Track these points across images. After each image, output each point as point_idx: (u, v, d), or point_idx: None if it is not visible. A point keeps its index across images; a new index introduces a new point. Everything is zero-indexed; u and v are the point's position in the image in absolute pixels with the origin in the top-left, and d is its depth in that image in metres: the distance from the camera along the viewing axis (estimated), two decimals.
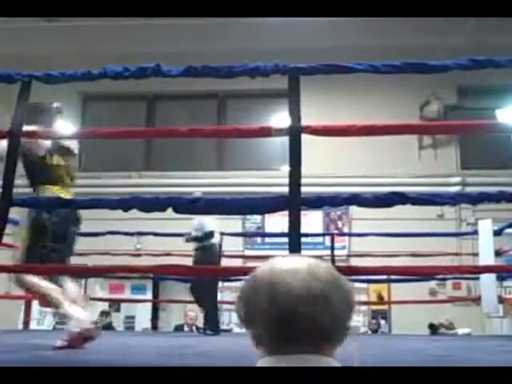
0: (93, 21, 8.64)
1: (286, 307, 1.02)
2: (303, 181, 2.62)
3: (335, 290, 1.05)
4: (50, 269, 3.16)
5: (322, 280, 1.04)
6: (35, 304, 6.63)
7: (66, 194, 3.42)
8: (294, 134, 2.61)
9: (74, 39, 9.84)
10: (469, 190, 8.79)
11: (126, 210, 2.64)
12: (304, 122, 2.66)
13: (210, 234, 6.24)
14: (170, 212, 3.00)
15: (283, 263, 1.08)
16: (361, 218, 8.68)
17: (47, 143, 3.45)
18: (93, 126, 9.04)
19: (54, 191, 3.40)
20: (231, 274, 3.81)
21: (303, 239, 2.67)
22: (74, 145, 3.65)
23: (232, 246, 8.00)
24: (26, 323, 6.79)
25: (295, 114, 2.65)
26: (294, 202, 2.56)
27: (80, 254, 6.17)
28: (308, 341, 1.03)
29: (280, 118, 8.83)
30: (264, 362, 1.05)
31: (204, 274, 4.76)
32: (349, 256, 8.77)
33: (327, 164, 9.35)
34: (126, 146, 10.08)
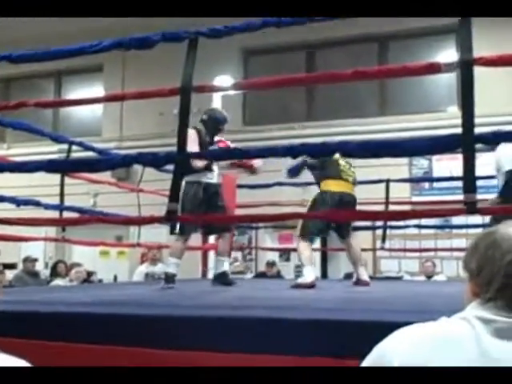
0: None
1: None
2: (475, 121, 2.46)
3: None
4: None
5: None
6: (211, 254, 6.99)
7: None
8: (466, 67, 2.45)
9: None
10: None
11: (294, 157, 2.66)
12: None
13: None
14: None
15: None
16: None
17: None
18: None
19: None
20: (400, 217, 3.77)
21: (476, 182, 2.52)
22: None
23: (399, 192, 7.85)
24: (204, 272, 7.21)
25: (466, 45, 2.47)
26: (468, 139, 2.42)
27: (250, 206, 6.45)
28: None
29: (446, 57, 8.37)
30: (475, 311, 1.15)
31: (369, 218, 4.76)
32: None
33: (501, 101, 8.72)
34: (287, 97, 10.19)
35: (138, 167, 6.00)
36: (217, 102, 7.98)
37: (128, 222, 3.71)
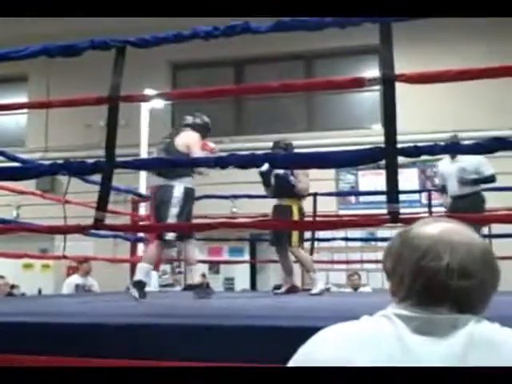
0: None
1: (433, 270, 1.14)
2: (398, 138, 2.56)
3: (486, 265, 1.16)
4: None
5: (477, 256, 1.16)
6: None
7: None
8: (388, 82, 2.55)
9: None
10: None
11: (223, 168, 2.69)
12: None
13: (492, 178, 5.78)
14: None
15: (441, 227, 1.20)
16: None
17: None
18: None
19: None
20: (327, 227, 3.84)
21: (399, 197, 2.62)
22: None
23: (326, 206, 7.98)
24: None
25: (388, 62, 2.58)
26: (390, 151, 2.51)
27: None
28: (447, 302, 1.14)
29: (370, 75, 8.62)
30: (393, 309, 1.18)
31: (301, 227, 4.85)
32: (447, 213, 8.57)
33: (422, 120, 9.05)
34: (215, 111, 10.21)
35: (63, 179, 5.83)
36: (145, 115, 7.92)
37: (54, 230, 3.62)
